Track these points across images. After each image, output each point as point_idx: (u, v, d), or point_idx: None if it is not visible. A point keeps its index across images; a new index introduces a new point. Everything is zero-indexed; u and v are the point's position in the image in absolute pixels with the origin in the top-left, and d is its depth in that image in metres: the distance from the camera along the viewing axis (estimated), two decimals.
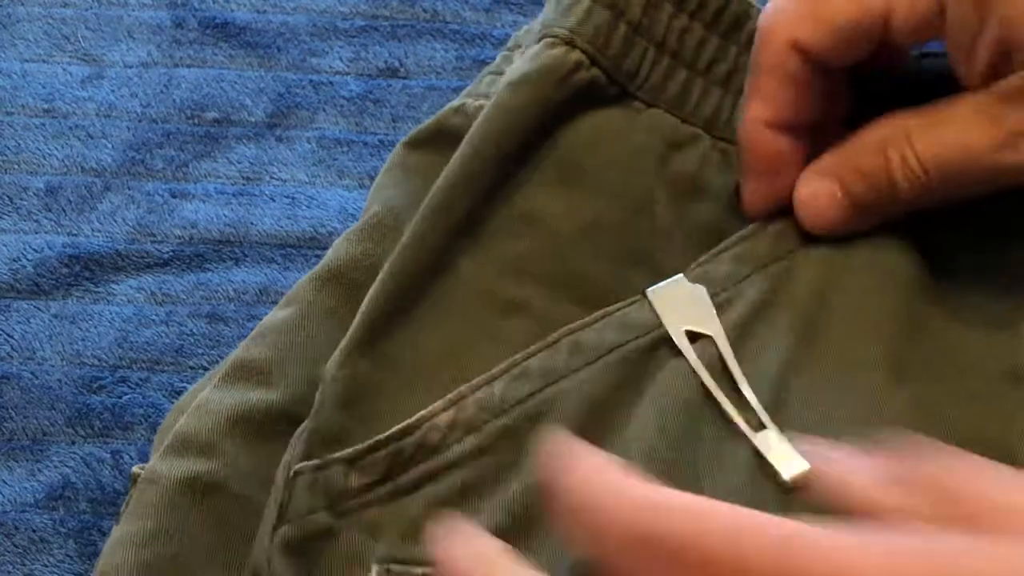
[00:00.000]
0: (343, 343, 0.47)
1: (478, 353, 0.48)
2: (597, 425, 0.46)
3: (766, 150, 0.49)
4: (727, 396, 0.46)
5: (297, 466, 0.46)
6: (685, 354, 0.47)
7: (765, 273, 0.49)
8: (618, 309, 0.48)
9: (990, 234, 0.50)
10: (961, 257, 0.50)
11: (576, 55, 0.50)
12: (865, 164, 0.48)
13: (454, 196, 0.49)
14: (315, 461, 0.46)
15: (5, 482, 0.57)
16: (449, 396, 0.46)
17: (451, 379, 0.47)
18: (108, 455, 0.57)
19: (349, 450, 0.45)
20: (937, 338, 0.48)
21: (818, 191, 0.49)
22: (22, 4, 0.68)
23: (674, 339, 0.47)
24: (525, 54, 0.52)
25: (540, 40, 0.51)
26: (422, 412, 0.46)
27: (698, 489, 0.45)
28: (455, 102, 0.53)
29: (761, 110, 0.49)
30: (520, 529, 0.45)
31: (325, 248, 0.54)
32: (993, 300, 0.49)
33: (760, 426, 0.46)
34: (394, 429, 0.45)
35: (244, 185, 0.64)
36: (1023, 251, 0.50)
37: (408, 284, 0.48)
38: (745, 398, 0.46)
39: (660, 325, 0.47)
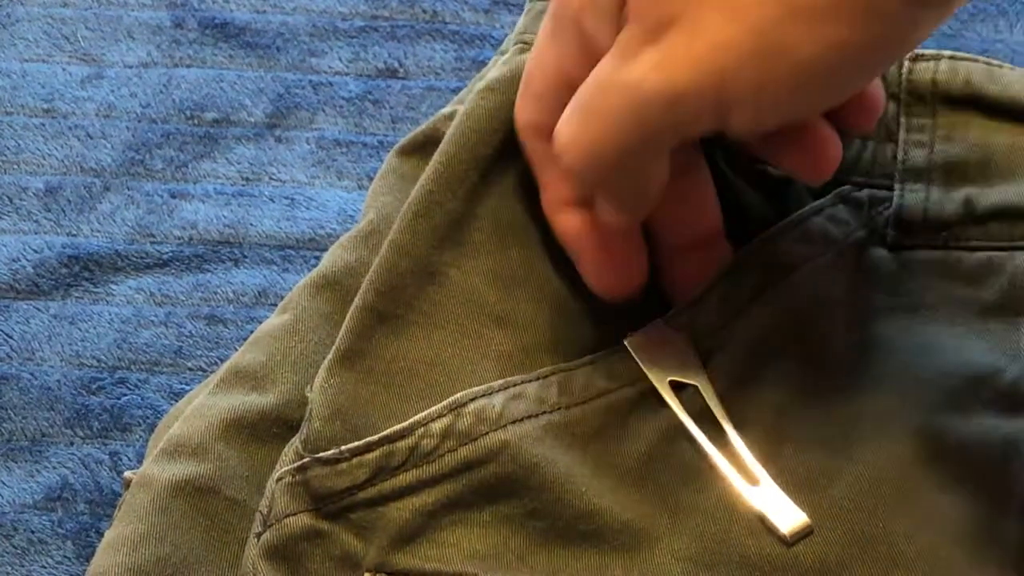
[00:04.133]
0: (329, 355, 0.47)
1: (469, 364, 0.47)
2: (585, 462, 0.46)
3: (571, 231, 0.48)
4: (719, 449, 0.46)
5: (279, 472, 0.46)
6: (674, 408, 0.46)
7: (750, 315, 0.48)
8: (608, 355, 0.47)
9: None
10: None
11: None
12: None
13: (432, 203, 0.48)
14: (296, 464, 0.45)
15: (4, 483, 0.57)
16: (446, 402, 0.45)
17: (443, 389, 0.47)
18: (106, 456, 0.57)
19: (332, 451, 0.45)
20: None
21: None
22: (22, 4, 0.68)
23: (660, 392, 0.47)
24: (499, 62, 0.51)
25: (513, 47, 0.51)
26: (418, 416, 0.45)
27: (692, 537, 0.45)
28: (446, 109, 0.53)
29: (553, 191, 0.48)
30: (509, 552, 0.45)
31: (324, 250, 0.54)
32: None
33: (754, 479, 0.46)
34: (387, 431, 0.45)
35: (243, 186, 0.64)
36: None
37: (393, 294, 0.48)
38: (736, 449, 0.46)
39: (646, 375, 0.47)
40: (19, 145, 0.65)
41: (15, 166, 0.64)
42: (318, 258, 0.53)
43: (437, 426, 0.45)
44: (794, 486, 0.46)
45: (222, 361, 0.56)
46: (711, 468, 0.46)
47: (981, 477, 0.46)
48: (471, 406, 0.45)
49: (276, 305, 0.53)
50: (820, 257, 0.49)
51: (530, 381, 0.46)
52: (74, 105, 0.66)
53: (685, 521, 0.45)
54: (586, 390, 0.47)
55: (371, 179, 0.55)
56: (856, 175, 0.51)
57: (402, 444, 0.45)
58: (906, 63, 0.51)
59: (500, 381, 0.46)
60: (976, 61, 0.51)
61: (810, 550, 0.45)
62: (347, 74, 0.66)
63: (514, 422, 0.45)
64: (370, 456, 0.45)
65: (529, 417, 0.46)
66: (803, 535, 0.45)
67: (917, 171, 0.50)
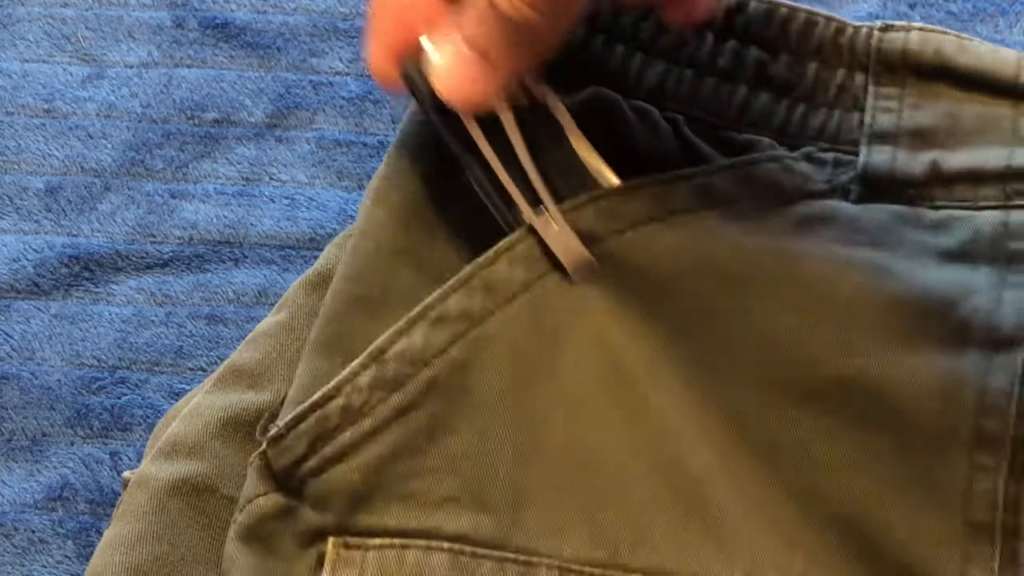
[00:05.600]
0: (307, 342, 0.47)
1: None
2: (523, 375, 0.46)
3: None
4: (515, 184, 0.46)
5: (251, 457, 0.46)
6: (470, 129, 0.46)
7: (655, 232, 0.48)
8: (527, 237, 0.47)
9: None
10: None
11: None
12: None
13: (389, 186, 0.48)
14: (261, 448, 0.45)
15: (4, 483, 0.57)
16: (368, 351, 0.45)
17: None
18: (107, 456, 0.57)
19: (273, 429, 0.45)
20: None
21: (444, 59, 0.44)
22: (22, 4, 0.68)
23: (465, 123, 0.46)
24: None
25: None
26: (343, 373, 0.45)
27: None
28: None
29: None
30: (468, 493, 0.45)
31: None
32: None
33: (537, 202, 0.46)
34: (315, 397, 0.45)
35: (244, 186, 0.64)
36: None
37: (364, 277, 0.48)
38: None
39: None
40: (20, 145, 0.65)
41: (16, 166, 0.64)
42: (318, 258, 0.53)
43: (363, 379, 0.45)
44: (732, 424, 0.46)
45: (222, 361, 0.56)
46: (660, 369, 0.46)
47: (923, 418, 0.46)
48: (392, 350, 0.45)
49: (276, 305, 0.53)
50: (755, 199, 0.49)
51: (450, 294, 0.46)
52: (74, 105, 0.66)
53: (633, 421, 0.46)
54: (509, 284, 0.46)
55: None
56: (821, 141, 0.51)
57: (333, 405, 0.45)
58: (876, 33, 0.51)
59: (419, 306, 0.46)
60: (947, 34, 0.51)
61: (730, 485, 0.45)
62: (347, 74, 0.66)
63: (439, 354, 0.45)
64: (305, 426, 0.45)
65: (455, 341, 0.45)
66: (585, 270, 0.45)
67: (884, 135, 0.50)
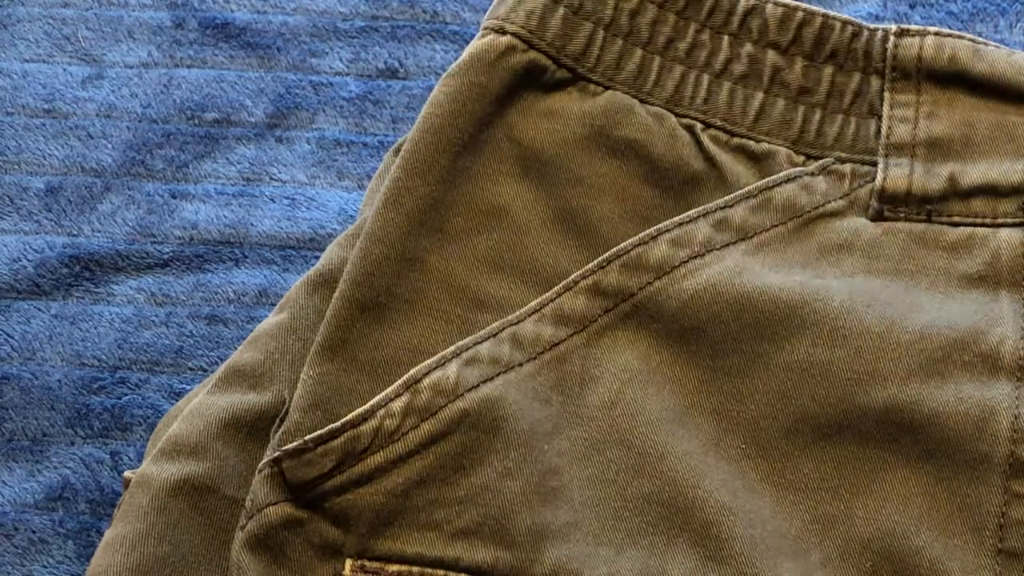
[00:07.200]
0: (313, 347, 0.47)
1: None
2: (549, 420, 0.46)
3: None
4: None
5: (260, 464, 0.46)
6: None
7: (683, 275, 0.49)
8: (555, 297, 0.48)
9: None
10: None
11: (506, 40, 0.50)
12: None
13: (401, 189, 0.49)
14: (275, 455, 0.46)
15: (5, 483, 0.57)
16: (402, 380, 0.46)
17: None
18: (107, 456, 0.57)
19: (297, 442, 0.46)
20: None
21: None
22: (22, 4, 0.68)
23: None
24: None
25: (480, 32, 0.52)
26: (376, 398, 0.46)
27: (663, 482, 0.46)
28: None
29: None
30: (488, 525, 0.45)
31: (325, 250, 0.54)
32: None
33: None
34: (349, 416, 0.46)
35: (244, 186, 0.64)
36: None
37: (370, 282, 0.48)
38: None
39: (598, 318, 0.48)
40: (20, 145, 0.65)
41: (16, 166, 0.64)
42: (318, 258, 0.53)
43: (397, 405, 0.46)
44: (759, 454, 0.46)
45: (223, 361, 0.56)
46: (686, 412, 0.46)
47: (954, 446, 0.46)
48: (426, 380, 0.46)
49: (276, 305, 0.53)
50: (777, 227, 0.49)
51: (481, 342, 0.47)
52: (75, 105, 0.66)
53: (654, 466, 0.46)
54: (536, 343, 0.47)
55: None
56: (839, 150, 0.51)
57: (366, 427, 0.46)
58: (892, 38, 0.51)
59: (451, 348, 0.47)
60: (962, 38, 0.51)
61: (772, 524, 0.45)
62: (347, 74, 0.66)
63: (471, 389, 0.46)
64: (335, 443, 0.45)
65: (485, 381, 0.46)
66: None
67: (901, 146, 0.51)
